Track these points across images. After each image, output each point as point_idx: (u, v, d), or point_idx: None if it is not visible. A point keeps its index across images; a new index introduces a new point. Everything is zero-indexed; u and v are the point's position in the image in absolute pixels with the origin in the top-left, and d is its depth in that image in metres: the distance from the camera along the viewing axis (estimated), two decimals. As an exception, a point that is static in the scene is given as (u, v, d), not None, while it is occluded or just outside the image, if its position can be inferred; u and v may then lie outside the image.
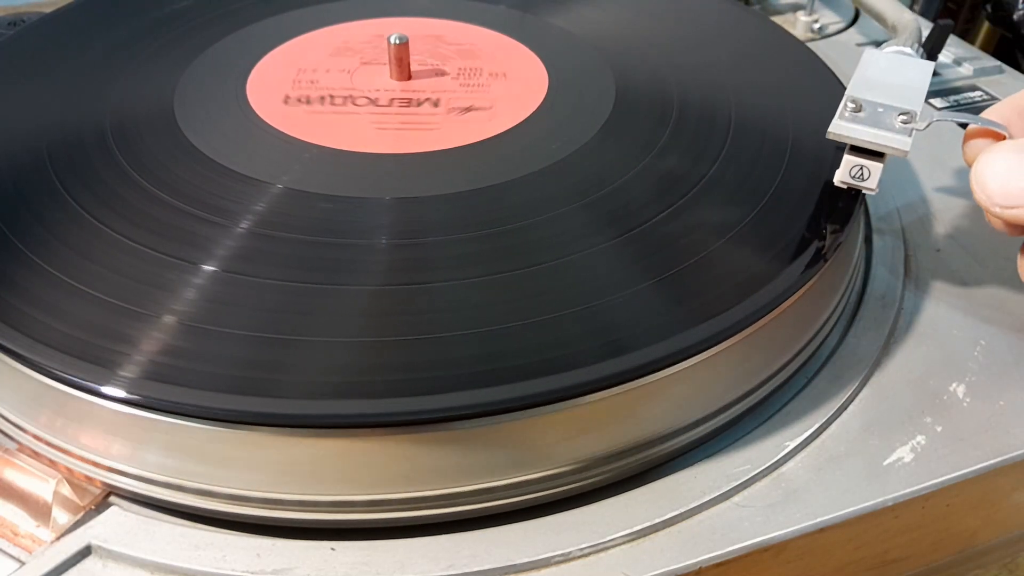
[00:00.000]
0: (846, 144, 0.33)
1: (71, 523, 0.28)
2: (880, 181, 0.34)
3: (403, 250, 0.33)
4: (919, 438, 0.32)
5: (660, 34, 0.47)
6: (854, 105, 0.34)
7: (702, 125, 0.40)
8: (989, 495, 0.33)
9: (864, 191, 0.34)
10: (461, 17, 0.49)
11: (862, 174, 0.33)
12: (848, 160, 0.34)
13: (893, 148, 0.32)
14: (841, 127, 0.33)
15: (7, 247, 0.32)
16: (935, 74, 0.54)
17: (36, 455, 0.30)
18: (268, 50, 0.45)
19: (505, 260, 0.32)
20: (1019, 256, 0.33)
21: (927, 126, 0.33)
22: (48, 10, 0.51)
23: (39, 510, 0.28)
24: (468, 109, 0.41)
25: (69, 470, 0.29)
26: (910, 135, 0.33)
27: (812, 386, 0.33)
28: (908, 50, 0.40)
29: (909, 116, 0.33)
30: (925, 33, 0.52)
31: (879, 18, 0.51)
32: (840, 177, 0.34)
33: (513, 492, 0.28)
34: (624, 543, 0.28)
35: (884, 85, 0.35)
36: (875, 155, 0.33)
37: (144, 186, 0.35)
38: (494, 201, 0.35)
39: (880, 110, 0.34)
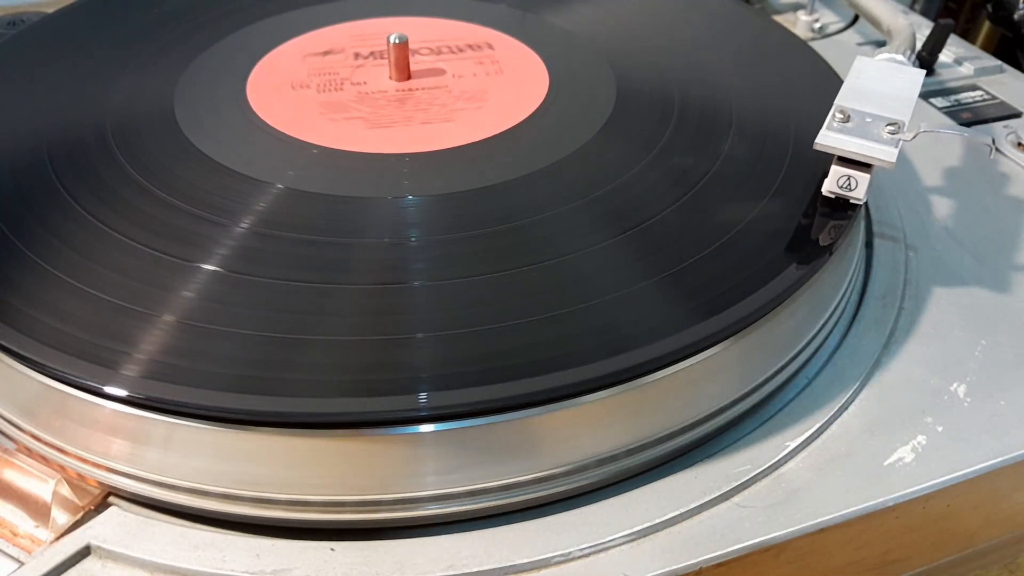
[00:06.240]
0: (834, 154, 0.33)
1: (70, 523, 0.28)
2: (867, 191, 0.34)
3: (403, 249, 0.33)
4: (920, 438, 0.32)
5: (661, 33, 0.47)
6: (842, 115, 0.34)
7: (703, 123, 0.40)
8: (990, 495, 0.33)
9: (852, 201, 0.34)
10: (461, 16, 0.49)
11: (849, 184, 0.33)
12: (836, 170, 0.34)
13: (879, 159, 0.32)
14: (828, 137, 0.33)
15: (7, 247, 0.32)
16: (935, 73, 0.54)
17: (36, 455, 0.30)
18: (268, 50, 0.45)
19: (506, 259, 0.32)
20: None
21: (914, 137, 0.33)
22: (49, 10, 0.51)
23: (38, 510, 0.28)
24: (468, 108, 0.41)
25: (70, 470, 0.29)
26: (896, 146, 0.33)
27: (813, 386, 0.33)
28: (900, 57, 0.40)
29: (896, 126, 0.33)
30: (922, 36, 0.52)
31: (874, 22, 0.51)
32: (828, 187, 0.34)
33: (513, 492, 0.28)
34: (624, 543, 0.28)
35: (873, 94, 0.35)
36: (863, 165, 0.33)
37: (144, 186, 0.35)
38: (495, 200, 0.35)
39: (868, 120, 0.33)
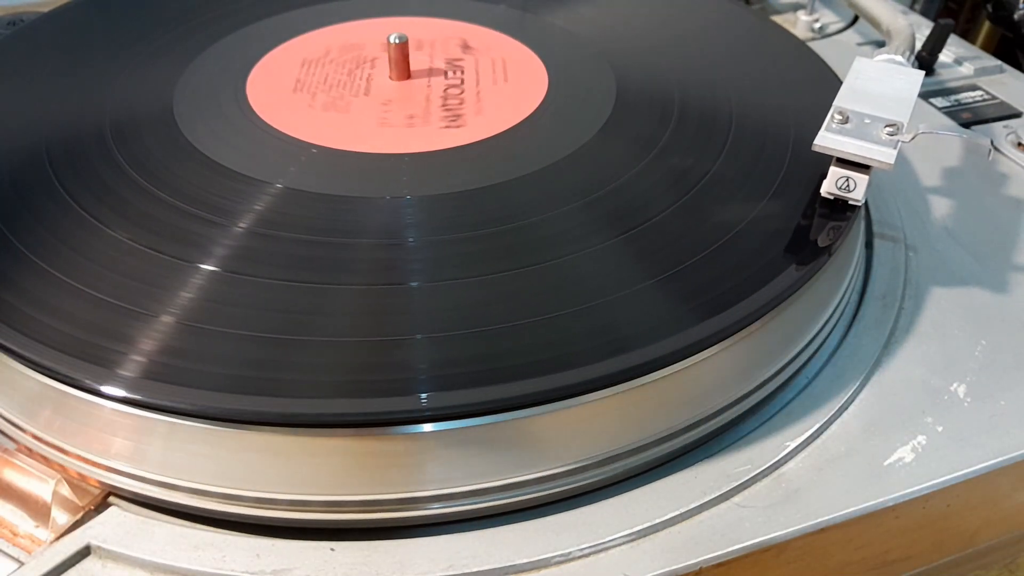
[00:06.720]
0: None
1: (70, 523, 0.28)
2: (866, 192, 0.34)
3: (403, 249, 0.33)
4: (920, 438, 0.32)
5: (660, 33, 0.47)
6: (840, 116, 0.34)
7: (703, 124, 0.39)
8: (989, 495, 0.33)
9: (851, 202, 0.34)
10: (461, 16, 0.49)
11: (848, 185, 0.33)
12: (834, 171, 0.34)
13: (877, 161, 0.32)
14: (826, 139, 0.33)
15: (6, 247, 0.32)
16: (935, 73, 0.54)
17: (36, 455, 0.30)
18: (268, 50, 0.45)
19: (505, 259, 0.32)
20: None
21: (912, 138, 0.33)
22: (47, 10, 0.51)
23: (38, 510, 0.28)
24: (467, 109, 0.41)
25: (70, 470, 0.29)
26: (895, 147, 0.33)
27: (813, 386, 0.33)
28: (899, 58, 0.40)
29: (895, 128, 0.33)
30: (922, 36, 0.52)
31: (874, 23, 0.51)
32: (827, 188, 0.34)
33: (513, 492, 0.28)
34: (624, 543, 0.28)
35: (872, 95, 0.35)
36: (861, 167, 0.33)
37: (143, 186, 0.35)
38: (495, 200, 0.35)
39: (867, 121, 0.33)
